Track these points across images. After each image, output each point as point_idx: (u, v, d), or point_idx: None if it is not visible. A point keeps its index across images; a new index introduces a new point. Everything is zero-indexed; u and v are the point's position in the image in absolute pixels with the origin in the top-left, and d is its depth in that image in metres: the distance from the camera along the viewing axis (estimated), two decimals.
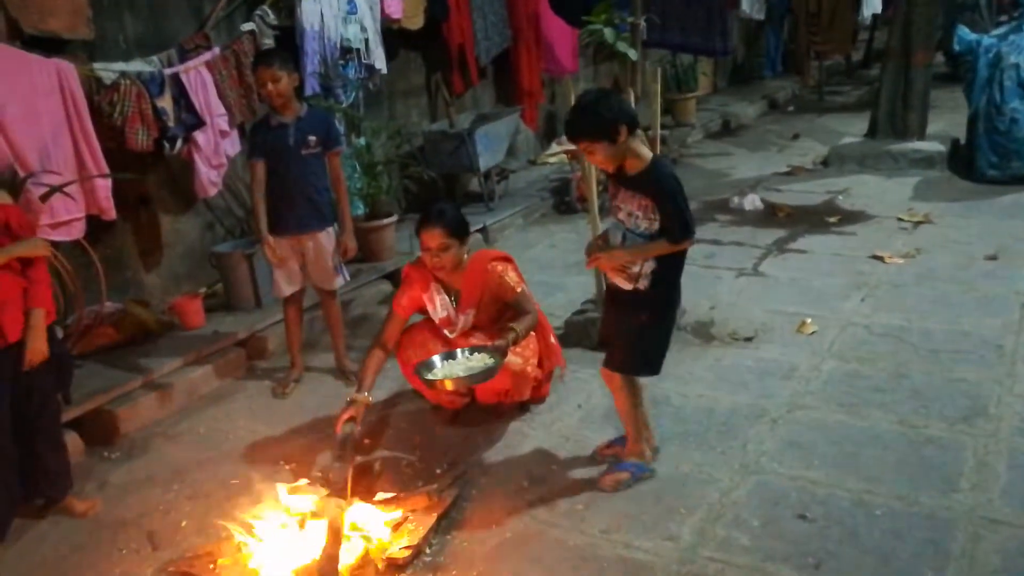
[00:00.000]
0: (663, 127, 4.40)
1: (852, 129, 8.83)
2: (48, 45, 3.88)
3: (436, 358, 3.32)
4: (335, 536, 2.66)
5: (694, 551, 2.68)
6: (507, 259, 3.55)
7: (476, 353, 3.28)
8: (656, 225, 2.78)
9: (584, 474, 3.18)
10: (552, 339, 3.69)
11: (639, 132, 2.82)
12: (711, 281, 5.16)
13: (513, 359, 3.33)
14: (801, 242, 5.83)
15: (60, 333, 3.22)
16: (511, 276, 3.48)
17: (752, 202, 6.79)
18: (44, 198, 3.61)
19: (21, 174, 3.54)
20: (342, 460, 2.97)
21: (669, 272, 2.90)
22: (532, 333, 3.48)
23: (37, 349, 2.86)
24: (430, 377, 3.20)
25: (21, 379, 2.87)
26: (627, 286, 2.91)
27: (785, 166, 8.10)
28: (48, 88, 3.72)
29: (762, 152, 9.03)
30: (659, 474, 3.12)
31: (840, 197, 6.82)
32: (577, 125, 2.76)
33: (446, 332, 3.51)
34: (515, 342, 3.28)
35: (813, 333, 4.27)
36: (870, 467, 3.06)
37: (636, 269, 2.86)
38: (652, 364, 3.04)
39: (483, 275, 3.45)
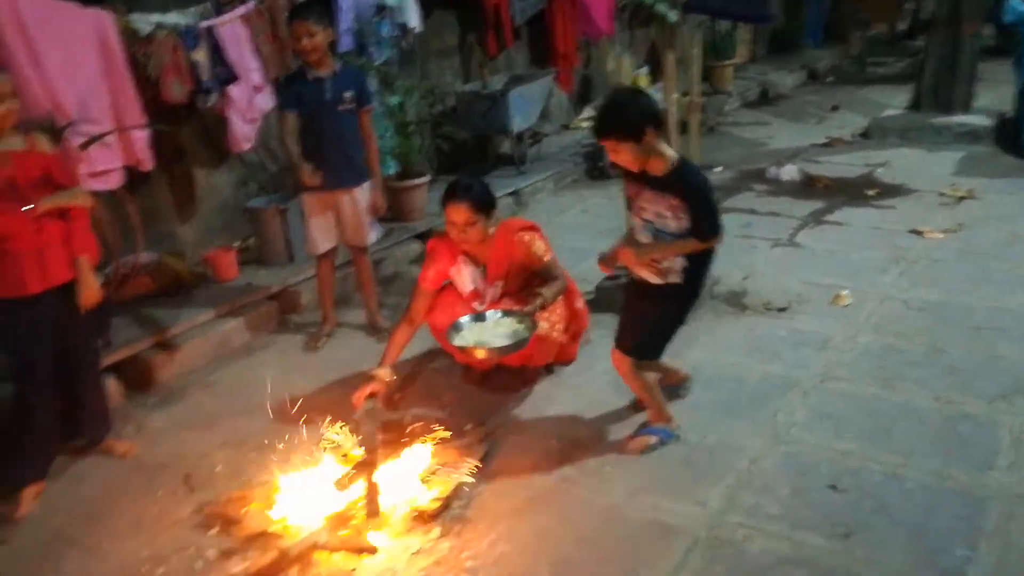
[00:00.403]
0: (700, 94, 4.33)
1: (894, 101, 8.63)
2: None
3: (465, 319, 3.33)
4: (371, 471, 2.73)
5: (722, 516, 2.68)
6: (534, 228, 3.53)
7: (506, 317, 3.29)
8: (685, 224, 2.79)
9: (611, 437, 3.18)
10: (579, 303, 3.68)
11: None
12: (746, 251, 5.10)
13: (539, 324, 3.33)
14: (839, 214, 5.74)
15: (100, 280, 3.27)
16: (539, 245, 3.46)
17: (789, 173, 6.68)
18: (83, 147, 3.63)
19: (61, 122, 3.57)
20: (367, 436, 2.98)
21: (700, 267, 2.93)
22: (560, 298, 3.47)
23: (91, 292, 2.93)
24: (460, 343, 3.23)
25: (63, 322, 2.92)
26: (656, 280, 2.91)
27: (824, 137, 7.94)
28: (87, 38, 3.73)
29: (800, 123, 8.86)
30: (688, 440, 3.12)
31: (880, 170, 6.69)
32: (605, 124, 2.77)
33: (475, 305, 3.51)
34: (543, 307, 3.28)
35: (849, 305, 4.21)
36: (904, 441, 3.03)
37: (666, 264, 2.88)
38: (660, 349, 3.09)
39: (510, 246, 3.44)
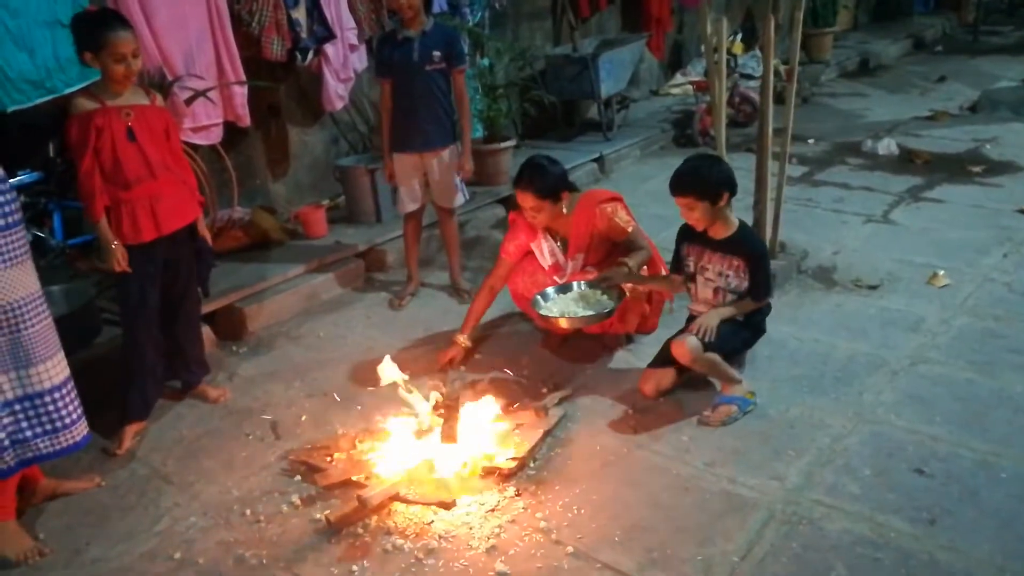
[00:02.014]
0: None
1: (1008, 73, 8.15)
2: None
3: (551, 290, 3.36)
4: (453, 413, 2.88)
5: (800, 493, 2.64)
6: (616, 198, 3.50)
7: (590, 288, 3.30)
8: (745, 283, 3.09)
9: (688, 407, 3.16)
10: (663, 272, 3.64)
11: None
12: (836, 226, 4.94)
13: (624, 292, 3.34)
14: (938, 191, 5.48)
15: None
16: (621, 216, 3.44)
17: (887, 146, 6.40)
18: (189, 102, 3.78)
19: (169, 77, 3.71)
20: (449, 391, 3.04)
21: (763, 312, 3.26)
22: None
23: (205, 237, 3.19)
24: (544, 312, 3.27)
25: (170, 270, 3.08)
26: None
27: (927, 110, 7.57)
28: None
29: (902, 94, 8.46)
30: (767, 414, 3.07)
31: (987, 146, 6.34)
32: (686, 183, 3.01)
33: (555, 278, 3.51)
34: (625, 278, 3.27)
35: (945, 286, 4.04)
36: (998, 429, 2.91)
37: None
38: (722, 350, 3.12)
39: (592, 218, 3.42)
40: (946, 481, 2.65)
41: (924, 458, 2.77)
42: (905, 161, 6.17)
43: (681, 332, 3.21)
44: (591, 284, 3.34)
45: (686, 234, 3.22)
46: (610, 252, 3.50)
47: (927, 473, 2.69)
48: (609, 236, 3.46)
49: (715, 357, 3.07)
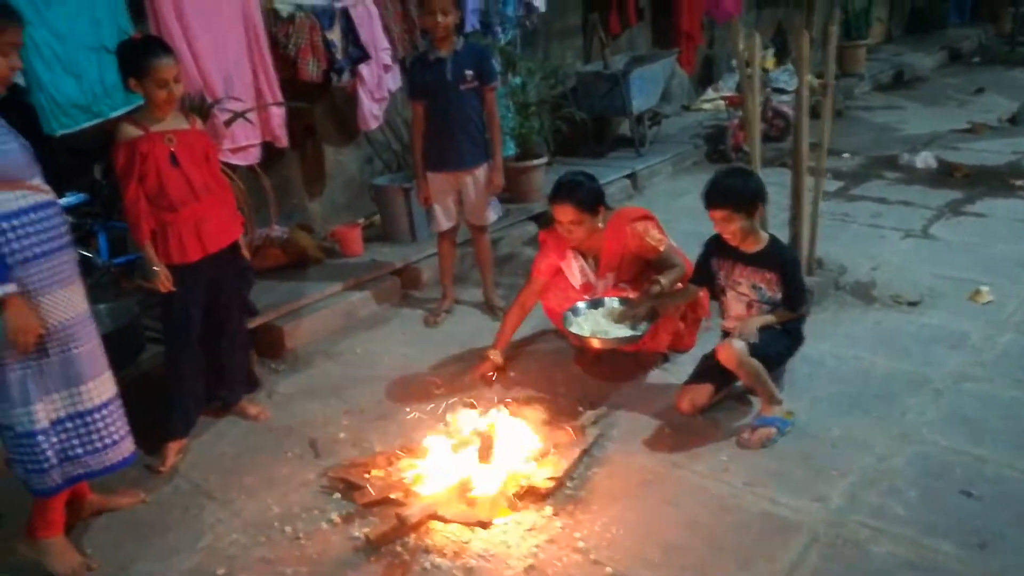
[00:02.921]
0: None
1: None
2: None
3: (582, 305, 3.36)
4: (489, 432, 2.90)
5: (844, 515, 2.60)
6: (648, 217, 3.50)
7: (623, 304, 3.30)
8: (779, 293, 3.08)
9: (726, 426, 3.13)
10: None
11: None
12: (874, 241, 4.88)
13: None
14: (979, 205, 5.39)
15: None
16: (653, 235, 3.43)
17: (924, 160, 6.32)
18: (228, 123, 3.86)
19: (209, 100, 3.79)
20: (484, 410, 3.05)
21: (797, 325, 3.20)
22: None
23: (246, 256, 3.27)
24: (575, 330, 3.28)
25: (213, 289, 3.14)
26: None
27: (965, 123, 7.46)
28: (234, 19, 3.95)
29: (939, 107, 8.34)
30: (808, 433, 3.03)
31: None
32: (724, 196, 3.01)
33: (586, 297, 3.51)
34: (661, 295, 3.26)
35: (989, 303, 3.96)
36: None
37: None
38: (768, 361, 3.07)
39: (623, 237, 3.42)
40: (995, 504, 2.59)
41: (972, 480, 2.71)
42: (944, 174, 6.08)
43: (702, 370, 3.21)
44: (623, 301, 3.32)
45: (715, 248, 3.21)
46: (642, 271, 3.49)
47: (975, 495, 2.63)
48: (640, 255, 3.45)
49: (759, 365, 3.02)
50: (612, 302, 3.35)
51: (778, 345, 3.13)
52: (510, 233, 5.23)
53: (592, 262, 3.52)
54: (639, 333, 3.23)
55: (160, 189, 2.89)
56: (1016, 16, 10.84)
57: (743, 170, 3.23)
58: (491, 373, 3.49)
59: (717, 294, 3.26)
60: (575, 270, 3.53)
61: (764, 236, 3.11)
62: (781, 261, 3.07)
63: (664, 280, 3.30)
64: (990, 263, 4.43)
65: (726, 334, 3.21)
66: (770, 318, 3.09)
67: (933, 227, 5.07)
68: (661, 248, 3.43)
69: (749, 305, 3.14)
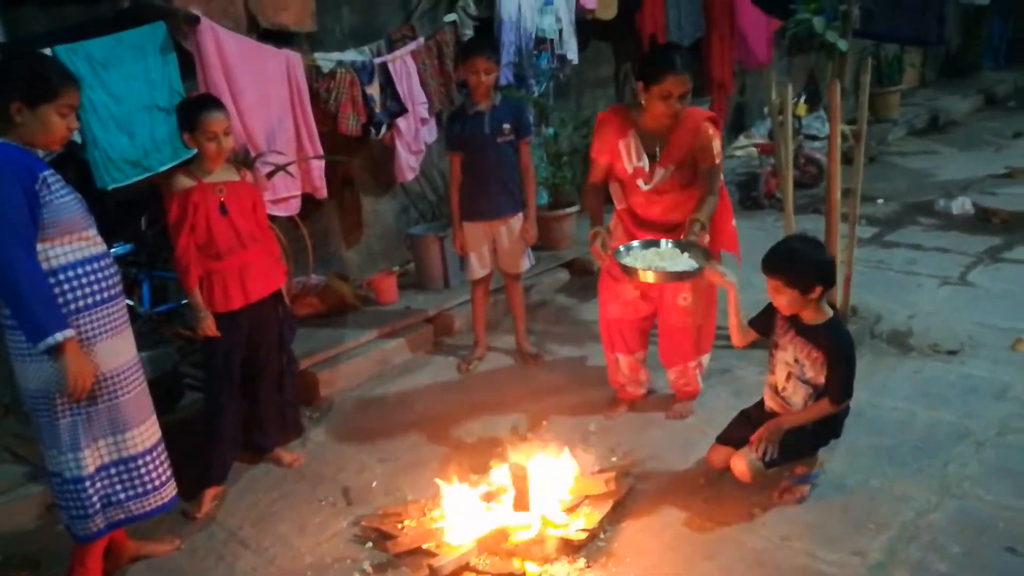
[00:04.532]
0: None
1: None
2: (278, 37, 4.25)
3: (636, 244, 3.23)
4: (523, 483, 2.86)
5: (884, 570, 2.55)
6: (718, 124, 3.37)
7: (676, 247, 3.16)
8: (821, 378, 2.84)
9: (764, 480, 3.09)
10: (732, 224, 3.62)
11: None
12: (911, 288, 4.83)
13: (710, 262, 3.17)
14: (1018, 251, 5.32)
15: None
16: (717, 144, 3.31)
17: (961, 205, 6.26)
18: (270, 176, 3.98)
19: (252, 154, 3.92)
20: (517, 456, 3.00)
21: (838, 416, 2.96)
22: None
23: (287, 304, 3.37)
24: (628, 262, 3.11)
25: (255, 336, 3.22)
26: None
27: (1002, 167, 7.38)
28: (278, 76, 4.09)
29: (975, 151, 8.28)
30: (846, 485, 2.98)
31: None
32: (779, 265, 2.81)
33: (639, 183, 3.33)
34: (701, 230, 3.19)
35: None
36: None
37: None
38: (772, 464, 2.91)
39: (696, 132, 3.27)
40: None
41: (1017, 536, 2.64)
42: (981, 220, 6.01)
43: (738, 426, 3.07)
44: (676, 243, 3.18)
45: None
46: (690, 180, 3.34)
47: (1020, 552, 2.56)
48: (699, 159, 3.30)
49: (775, 472, 2.95)
50: (667, 244, 3.21)
51: (804, 446, 2.95)
52: (542, 280, 5.26)
53: (659, 147, 3.31)
54: (698, 267, 3.03)
55: (209, 237, 3.01)
56: None
57: (814, 242, 2.93)
58: (604, 238, 3.24)
59: (770, 347, 3.05)
60: (632, 151, 3.32)
61: (827, 312, 2.86)
62: (832, 344, 2.81)
63: (702, 216, 3.18)
64: None
65: (762, 404, 3.10)
66: (802, 417, 2.89)
67: (971, 274, 5.01)
68: (717, 162, 3.30)
69: (788, 376, 2.93)
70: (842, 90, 3.96)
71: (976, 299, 4.63)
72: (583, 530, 2.78)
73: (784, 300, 2.81)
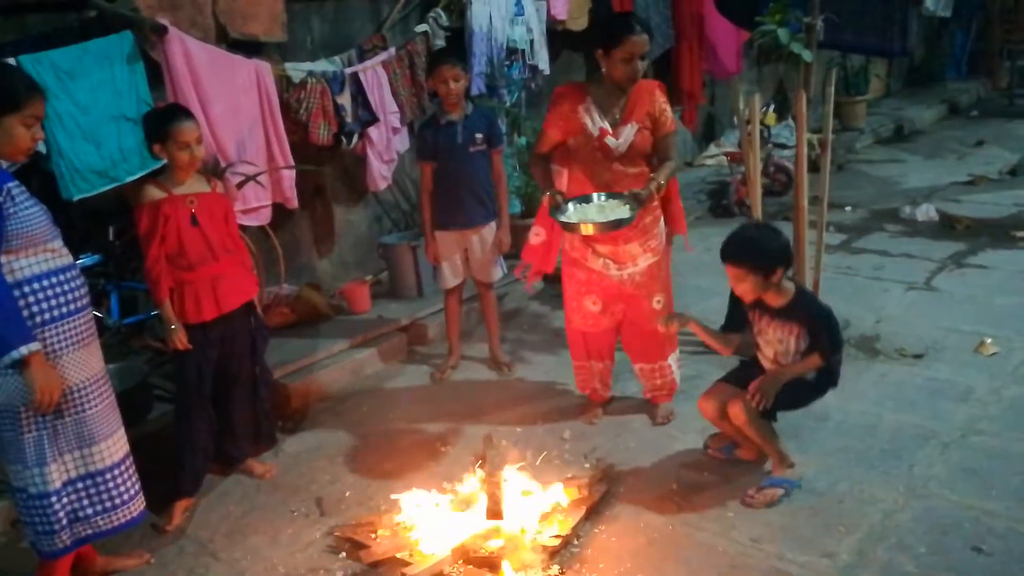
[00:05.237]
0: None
1: None
2: (248, 47, 4.24)
3: (571, 201, 3.26)
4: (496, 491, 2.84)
5: (853, 571, 2.58)
6: (665, 91, 3.41)
7: (611, 199, 3.22)
8: (805, 345, 2.97)
9: (735, 482, 3.12)
10: (678, 203, 3.67)
11: None
12: (877, 294, 4.91)
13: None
14: (982, 257, 5.43)
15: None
16: (670, 112, 3.38)
17: (926, 212, 6.38)
18: (240, 186, 3.96)
19: (222, 164, 3.90)
20: (490, 462, 2.96)
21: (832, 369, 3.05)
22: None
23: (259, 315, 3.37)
24: (564, 219, 3.17)
25: (226, 347, 3.19)
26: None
27: (966, 175, 7.55)
28: (248, 86, 4.07)
29: (939, 159, 8.45)
30: (815, 489, 3.02)
31: None
32: (739, 253, 2.89)
33: (608, 141, 3.29)
34: (658, 191, 3.24)
35: (994, 355, 3.97)
36: None
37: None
38: (770, 412, 3.03)
39: (650, 95, 3.32)
40: (1006, 560, 2.57)
41: (981, 535, 2.69)
42: (945, 227, 6.14)
43: (738, 377, 3.15)
44: (610, 195, 3.23)
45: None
46: (646, 150, 3.36)
47: (985, 551, 2.62)
48: (656, 123, 3.34)
49: (769, 429, 3.02)
50: (600, 197, 3.25)
51: (800, 396, 3.06)
52: (515, 288, 5.27)
53: (620, 109, 3.31)
54: (627, 217, 3.09)
55: (180, 248, 2.99)
56: (1013, 70, 11.02)
57: (769, 228, 3.02)
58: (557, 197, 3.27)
59: (753, 335, 3.12)
60: (594, 113, 3.31)
61: (789, 290, 2.96)
62: (806, 316, 2.94)
63: (660, 177, 3.24)
64: (994, 315, 4.45)
65: (756, 363, 3.16)
66: (797, 369, 2.99)
67: (936, 279, 5.10)
68: (672, 129, 3.37)
69: (776, 355, 3.05)
70: (809, 100, 4.03)
71: (941, 304, 4.72)
72: (557, 536, 2.79)
73: (747, 287, 2.90)
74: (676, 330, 3.17)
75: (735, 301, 3.10)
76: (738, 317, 3.13)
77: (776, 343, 3.02)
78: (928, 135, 9.70)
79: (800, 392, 3.04)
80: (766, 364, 3.11)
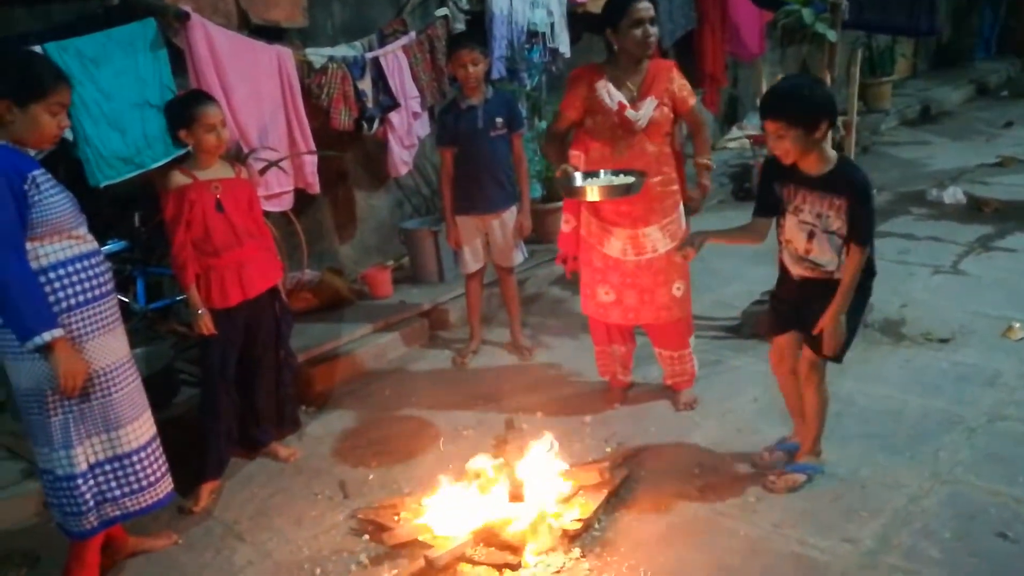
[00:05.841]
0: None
1: None
2: (269, 33, 4.25)
3: (578, 175, 3.30)
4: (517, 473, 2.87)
5: (875, 556, 2.57)
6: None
7: (620, 174, 3.24)
8: (844, 227, 2.67)
9: (757, 468, 3.11)
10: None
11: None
12: (903, 278, 4.85)
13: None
14: (1010, 240, 5.34)
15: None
16: (688, 87, 3.40)
17: (953, 195, 6.28)
18: (262, 172, 3.98)
19: (245, 150, 3.93)
20: (511, 448, 2.98)
21: (869, 260, 2.78)
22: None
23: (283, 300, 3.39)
24: (572, 185, 3.24)
25: (251, 332, 3.23)
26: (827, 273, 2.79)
27: (994, 157, 7.41)
28: (269, 72, 4.09)
29: (967, 141, 8.31)
30: (838, 474, 3.01)
31: None
32: (779, 104, 2.59)
33: (629, 115, 3.27)
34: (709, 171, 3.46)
35: (1022, 339, 3.92)
36: None
37: (833, 267, 2.77)
38: (844, 351, 2.86)
39: (668, 72, 3.35)
40: None
41: (1007, 521, 2.67)
42: (973, 210, 6.04)
43: (787, 319, 2.94)
44: (617, 171, 3.25)
45: (775, 170, 2.78)
46: (666, 128, 3.39)
47: (1011, 537, 2.59)
48: (677, 98, 3.35)
49: (823, 405, 2.92)
50: (607, 173, 3.27)
51: (857, 308, 2.82)
52: (536, 273, 5.28)
53: (636, 87, 3.32)
54: (634, 183, 3.12)
55: (205, 234, 3.02)
56: None
57: (811, 78, 2.72)
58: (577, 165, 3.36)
59: (779, 221, 2.86)
60: (612, 90, 3.30)
61: (831, 155, 2.67)
62: (852, 185, 2.62)
63: (705, 158, 3.47)
64: (1022, 299, 4.38)
65: (784, 274, 2.93)
66: (845, 298, 2.71)
67: (963, 263, 5.03)
68: (693, 100, 3.40)
69: (811, 235, 2.73)
70: (833, 81, 3.98)
71: (968, 288, 4.66)
72: (578, 520, 2.80)
73: (787, 144, 2.59)
74: (692, 256, 2.99)
75: (767, 179, 2.86)
76: (772, 198, 2.84)
77: (815, 220, 2.70)
78: (955, 116, 9.54)
79: (854, 306, 2.78)
80: (792, 265, 2.85)
